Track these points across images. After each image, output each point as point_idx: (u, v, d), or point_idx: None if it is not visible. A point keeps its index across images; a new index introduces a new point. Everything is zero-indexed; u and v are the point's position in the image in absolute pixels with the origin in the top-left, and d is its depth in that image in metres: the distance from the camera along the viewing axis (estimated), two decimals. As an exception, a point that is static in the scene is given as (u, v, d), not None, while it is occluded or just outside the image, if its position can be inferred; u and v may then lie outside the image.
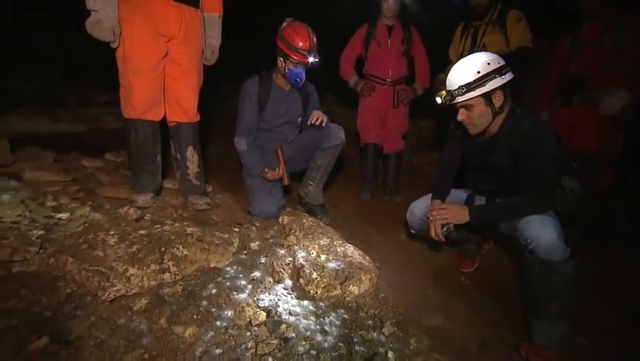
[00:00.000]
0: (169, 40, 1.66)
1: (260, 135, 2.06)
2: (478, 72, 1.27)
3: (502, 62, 1.30)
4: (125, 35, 1.55)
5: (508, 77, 1.29)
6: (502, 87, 1.30)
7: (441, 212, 1.47)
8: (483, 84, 1.27)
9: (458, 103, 1.33)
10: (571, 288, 1.27)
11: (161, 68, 1.68)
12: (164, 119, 1.79)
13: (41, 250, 1.23)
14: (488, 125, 1.37)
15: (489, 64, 1.28)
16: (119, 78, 1.64)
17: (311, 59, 1.84)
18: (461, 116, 1.36)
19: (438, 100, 1.35)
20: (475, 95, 1.29)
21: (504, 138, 1.36)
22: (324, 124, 1.92)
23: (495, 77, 1.27)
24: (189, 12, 1.68)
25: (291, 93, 2.04)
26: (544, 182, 1.28)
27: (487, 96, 1.29)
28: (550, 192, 1.31)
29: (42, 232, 1.30)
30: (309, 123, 1.95)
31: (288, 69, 1.88)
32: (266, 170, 1.93)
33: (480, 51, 2.22)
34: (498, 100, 1.31)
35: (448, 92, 1.33)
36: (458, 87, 1.29)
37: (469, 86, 1.28)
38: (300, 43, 1.82)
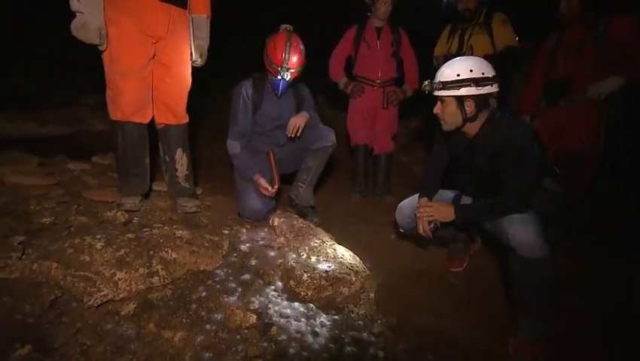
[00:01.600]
0: (157, 42, 1.64)
1: (252, 138, 2.05)
2: (458, 75, 1.33)
3: (487, 74, 1.32)
4: (112, 37, 1.53)
5: (486, 90, 1.33)
6: (475, 97, 1.34)
7: (428, 209, 1.50)
8: (457, 87, 1.33)
9: (435, 95, 1.39)
10: (552, 285, 1.30)
11: (149, 69, 1.66)
12: (152, 121, 1.77)
13: (24, 256, 1.19)
14: (460, 127, 1.42)
15: (471, 71, 1.32)
16: (105, 80, 1.62)
17: (279, 77, 1.83)
18: (436, 108, 1.43)
19: (423, 85, 1.43)
20: (448, 94, 1.35)
21: (484, 140, 1.40)
22: (298, 134, 1.93)
23: (470, 85, 1.31)
24: (177, 13, 1.66)
25: (284, 97, 2.03)
26: (524, 182, 1.32)
27: (459, 100, 1.35)
28: (530, 191, 1.34)
29: (25, 237, 1.26)
30: (286, 133, 1.95)
31: (270, 78, 1.90)
32: (260, 180, 1.92)
33: (467, 51, 2.32)
34: (468, 107, 1.35)
35: (429, 82, 1.40)
36: (438, 82, 1.36)
37: (445, 85, 1.34)
38: (275, 59, 1.82)
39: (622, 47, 1.88)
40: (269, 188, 1.93)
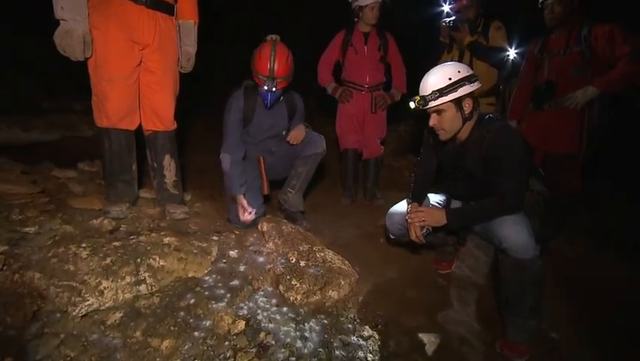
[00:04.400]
0: (144, 48, 1.63)
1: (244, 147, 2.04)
2: (450, 79, 1.34)
3: (471, 72, 1.38)
4: (97, 42, 1.52)
5: (476, 85, 1.37)
6: (471, 95, 1.37)
7: (419, 214, 1.50)
8: (454, 90, 1.34)
9: (430, 108, 1.39)
10: (541, 285, 1.33)
11: (135, 76, 1.65)
12: (140, 127, 1.75)
13: (5, 267, 1.17)
14: (458, 132, 1.42)
15: (459, 72, 1.35)
16: (91, 86, 1.60)
17: (266, 88, 1.81)
18: (432, 121, 1.42)
19: (412, 105, 1.42)
20: (447, 100, 1.35)
21: (474, 144, 1.41)
22: (297, 143, 1.95)
23: (465, 84, 1.34)
24: (163, 19, 1.66)
25: (276, 107, 2.01)
26: (514, 184, 1.34)
27: (458, 102, 1.36)
28: (520, 193, 1.37)
29: (6, 247, 1.24)
30: (286, 140, 1.97)
31: (259, 89, 1.88)
32: (243, 201, 1.87)
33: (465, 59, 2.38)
34: (467, 106, 1.38)
35: (422, 97, 1.39)
36: (432, 92, 1.36)
37: (441, 92, 1.34)
38: (260, 70, 1.81)
39: (602, 55, 1.94)
40: (249, 211, 1.86)
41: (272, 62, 1.78)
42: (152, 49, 1.64)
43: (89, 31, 1.48)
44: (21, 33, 3.82)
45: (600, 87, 1.92)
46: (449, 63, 1.42)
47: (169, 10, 1.68)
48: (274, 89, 1.82)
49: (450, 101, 1.35)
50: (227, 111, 1.94)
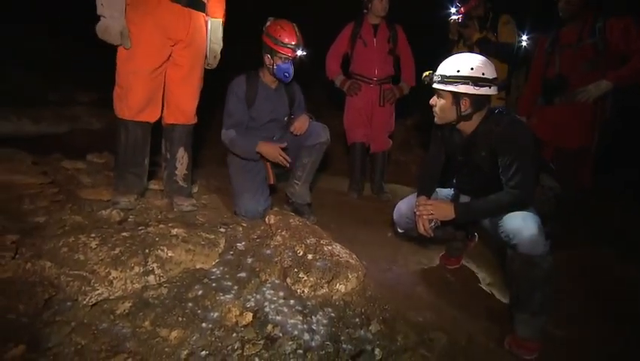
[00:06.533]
0: (175, 44, 1.66)
1: (246, 133, 2.05)
2: (458, 71, 1.31)
3: (487, 76, 1.30)
4: (132, 38, 1.55)
5: (483, 91, 1.31)
6: (472, 97, 1.32)
7: (427, 207, 1.48)
8: (453, 84, 1.31)
9: (433, 87, 1.39)
10: (552, 281, 1.31)
11: (162, 70, 1.67)
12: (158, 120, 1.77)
13: (17, 256, 1.18)
14: (454, 124, 1.41)
15: (472, 69, 1.30)
16: (116, 77, 1.62)
17: (299, 53, 1.88)
18: (432, 100, 1.43)
19: (423, 75, 1.42)
20: (445, 89, 1.34)
21: (483, 137, 1.39)
22: (301, 133, 1.98)
23: (468, 84, 1.30)
24: (196, 17, 1.69)
25: (277, 92, 2.05)
26: (524, 178, 1.31)
27: (456, 96, 1.34)
28: (530, 187, 1.34)
29: (18, 236, 1.25)
30: (290, 131, 1.99)
31: (276, 65, 1.90)
32: (269, 143, 1.94)
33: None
34: (464, 105, 1.34)
35: (431, 73, 1.39)
36: (437, 74, 1.35)
37: (444, 78, 1.33)
38: (287, 39, 1.85)
39: (616, 48, 1.89)
40: (282, 145, 1.94)
41: (296, 29, 1.88)
42: (183, 44, 1.67)
43: (126, 25, 1.52)
44: (21, 33, 3.85)
45: (614, 81, 1.88)
46: (473, 55, 1.38)
47: (202, 7, 1.71)
48: (304, 52, 1.91)
49: (448, 91, 1.33)
50: (230, 96, 1.97)
